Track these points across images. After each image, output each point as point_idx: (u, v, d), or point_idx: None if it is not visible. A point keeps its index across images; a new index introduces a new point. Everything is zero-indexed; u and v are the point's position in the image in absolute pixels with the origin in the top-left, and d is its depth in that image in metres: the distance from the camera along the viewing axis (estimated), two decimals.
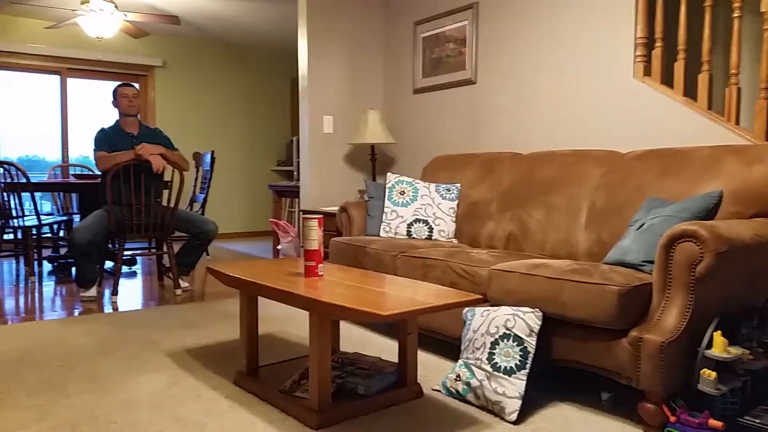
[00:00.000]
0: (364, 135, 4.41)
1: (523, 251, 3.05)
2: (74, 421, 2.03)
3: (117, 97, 4.09)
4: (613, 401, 2.16)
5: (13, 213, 4.65)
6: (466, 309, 2.35)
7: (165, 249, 4.13)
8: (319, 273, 2.27)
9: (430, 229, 3.39)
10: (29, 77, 6.66)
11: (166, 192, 5.51)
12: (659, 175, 2.61)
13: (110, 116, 7.04)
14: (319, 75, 4.66)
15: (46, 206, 6.80)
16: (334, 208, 4.34)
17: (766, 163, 2.32)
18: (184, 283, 4.29)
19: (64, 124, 6.84)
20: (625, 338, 1.97)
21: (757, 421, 1.77)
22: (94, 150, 3.97)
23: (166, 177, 4.30)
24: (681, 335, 1.89)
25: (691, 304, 1.91)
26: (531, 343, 2.09)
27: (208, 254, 5.91)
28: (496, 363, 2.10)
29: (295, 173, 6.85)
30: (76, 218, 5.54)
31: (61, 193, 6.09)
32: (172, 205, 4.08)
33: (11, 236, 5.10)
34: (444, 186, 3.52)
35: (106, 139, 4.00)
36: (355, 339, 3.03)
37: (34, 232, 4.71)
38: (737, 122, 2.82)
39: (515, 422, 2.01)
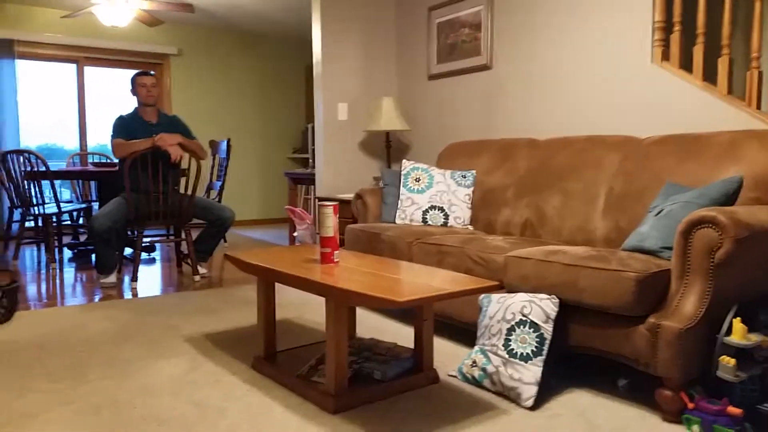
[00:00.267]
0: (379, 122, 4.40)
1: (539, 238, 3.04)
2: (96, 405, 2.06)
3: (135, 86, 4.11)
4: (630, 388, 2.15)
5: (34, 201, 4.72)
6: (482, 295, 2.36)
7: (183, 236, 4.17)
8: (335, 260, 2.28)
9: (446, 216, 3.38)
10: (47, 66, 6.72)
11: (183, 180, 5.56)
12: (678, 161, 2.58)
13: (127, 104, 7.09)
14: (334, 62, 4.65)
15: (66, 194, 6.88)
16: (350, 195, 4.34)
17: None
18: (202, 270, 4.33)
19: (81, 113, 6.90)
20: (643, 325, 1.96)
21: None
22: (112, 137, 4.00)
23: (183, 165, 4.33)
24: (699, 322, 1.88)
25: (709, 291, 1.89)
26: (547, 329, 2.09)
27: (225, 241, 5.96)
28: (513, 349, 2.10)
29: (311, 160, 6.86)
30: (95, 206, 5.61)
31: (80, 181, 6.16)
32: (189, 192, 4.11)
33: (32, 224, 5.17)
34: (460, 173, 3.51)
35: (124, 127, 4.03)
36: (371, 325, 3.05)
37: (54, 219, 4.77)
38: (758, 107, 2.77)
39: (531, 408, 2.02)
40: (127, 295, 3.76)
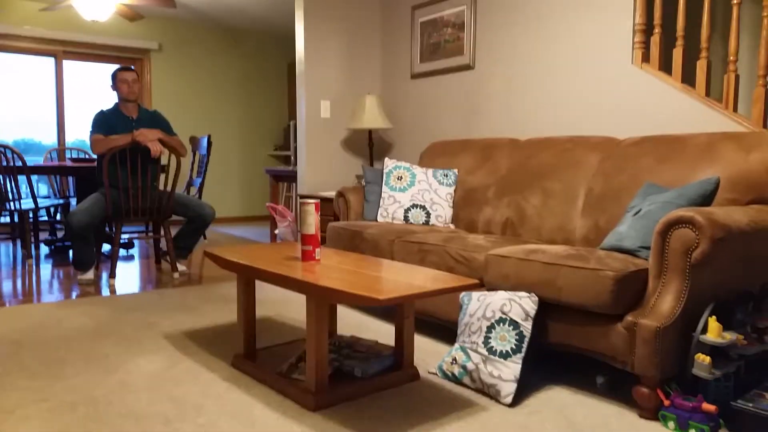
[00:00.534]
0: (362, 120, 4.40)
1: (519, 237, 3.06)
2: (73, 402, 2.04)
3: (116, 82, 4.05)
4: (608, 385, 2.18)
5: (10, 196, 4.64)
6: (463, 293, 2.37)
7: (162, 233, 4.13)
8: (317, 257, 2.27)
9: (428, 215, 3.39)
10: (24, 59, 6.61)
11: (162, 176, 5.50)
12: (656, 162, 2.61)
13: (107, 99, 7.00)
14: (317, 59, 4.63)
15: (43, 190, 6.78)
16: (332, 193, 4.34)
17: (763, 150, 2.33)
18: (181, 267, 4.29)
19: (60, 107, 6.80)
20: (621, 323, 1.99)
21: (750, 404, 1.79)
22: (91, 132, 3.95)
23: (163, 161, 4.29)
24: (676, 320, 1.91)
25: (686, 290, 1.92)
26: (527, 327, 2.11)
27: (205, 238, 5.91)
28: (492, 347, 2.12)
29: (293, 158, 6.84)
30: (73, 201, 5.53)
31: (58, 177, 6.07)
32: (169, 189, 4.08)
33: (8, 219, 5.09)
34: (441, 171, 3.52)
35: (104, 122, 3.98)
36: (352, 322, 3.05)
37: (31, 215, 4.70)
38: (735, 109, 2.82)
39: (510, 405, 2.03)
40: (105, 291, 3.72)
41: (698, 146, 2.51)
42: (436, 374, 2.31)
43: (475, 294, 2.31)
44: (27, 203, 4.73)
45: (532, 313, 2.13)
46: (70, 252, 5.04)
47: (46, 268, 4.45)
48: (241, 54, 7.80)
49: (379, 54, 4.94)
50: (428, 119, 4.50)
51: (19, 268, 4.47)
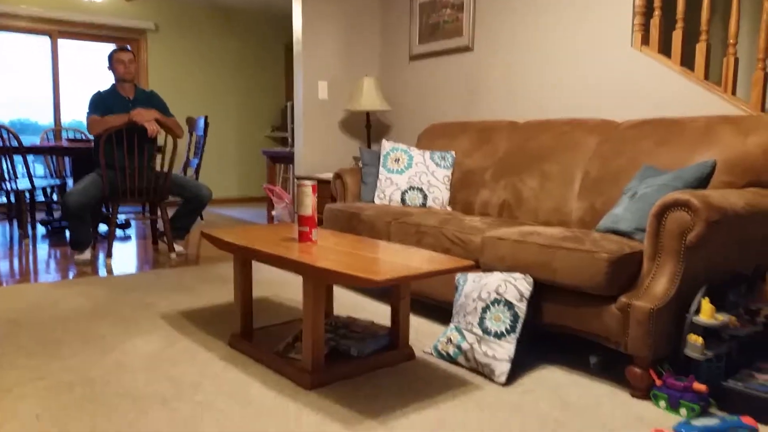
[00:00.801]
0: (360, 102, 4.38)
1: (516, 219, 3.06)
2: (70, 382, 2.05)
3: (113, 63, 4.03)
4: (602, 365, 2.20)
5: (6, 176, 4.63)
6: (459, 275, 2.38)
7: (159, 213, 4.13)
8: (313, 238, 2.28)
9: (425, 197, 3.40)
10: (19, 38, 6.55)
11: (159, 156, 5.48)
12: (655, 145, 2.61)
13: (103, 79, 6.96)
14: (314, 40, 4.60)
15: (39, 170, 6.76)
16: (329, 175, 4.33)
17: (761, 133, 2.33)
18: (178, 247, 4.30)
19: (56, 87, 6.75)
20: (615, 304, 2.00)
21: (741, 384, 1.81)
22: (87, 113, 3.94)
23: (159, 142, 4.28)
24: (670, 302, 1.92)
25: (680, 272, 1.93)
26: (521, 308, 2.12)
27: (202, 219, 5.91)
28: (487, 327, 2.13)
29: (290, 139, 6.81)
30: (70, 182, 5.52)
31: (54, 157, 6.05)
32: (165, 169, 4.07)
33: (4, 200, 5.08)
34: (439, 154, 3.52)
35: (101, 103, 3.96)
36: (348, 303, 3.06)
37: (28, 195, 4.69)
38: (734, 92, 2.81)
39: (504, 384, 2.05)
40: (102, 272, 3.72)
41: (697, 129, 2.51)
42: (431, 354, 2.32)
43: (471, 275, 2.32)
44: (23, 183, 4.72)
45: (527, 294, 2.14)
46: (67, 232, 5.04)
47: (42, 249, 4.45)
48: (239, 34, 7.74)
49: (377, 34, 4.90)
50: (426, 101, 4.49)
51: (15, 248, 4.48)
